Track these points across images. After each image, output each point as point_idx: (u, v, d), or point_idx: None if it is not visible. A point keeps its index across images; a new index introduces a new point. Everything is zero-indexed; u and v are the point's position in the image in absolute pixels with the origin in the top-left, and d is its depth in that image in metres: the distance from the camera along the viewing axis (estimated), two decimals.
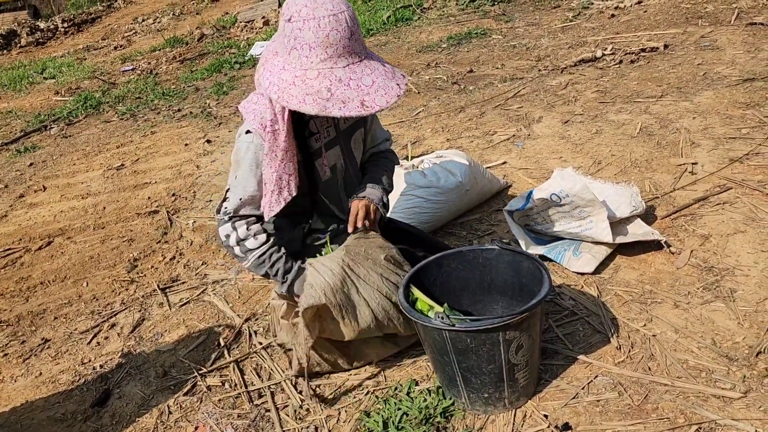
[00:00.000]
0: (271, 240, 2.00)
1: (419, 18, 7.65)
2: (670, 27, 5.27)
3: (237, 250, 1.97)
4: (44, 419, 2.22)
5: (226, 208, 1.97)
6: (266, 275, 2.00)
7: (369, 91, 1.71)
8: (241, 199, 1.92)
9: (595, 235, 2.47)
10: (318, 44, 1.67)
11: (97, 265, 3.24)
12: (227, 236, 1.97)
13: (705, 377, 1.90)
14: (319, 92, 1.67)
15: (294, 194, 1.92)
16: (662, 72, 4.37)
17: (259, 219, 1.99)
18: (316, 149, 1.99)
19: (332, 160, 2.06)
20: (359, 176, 2.21)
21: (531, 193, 2.55)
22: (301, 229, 2.15)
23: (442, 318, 1.73)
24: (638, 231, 2.55)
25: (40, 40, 14.31)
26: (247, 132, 1.87)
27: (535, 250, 2.59)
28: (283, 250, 2.03)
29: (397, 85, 1.76)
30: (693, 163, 3.10)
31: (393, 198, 2.83)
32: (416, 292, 1.94)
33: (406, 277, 1.98)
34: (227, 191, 1.97)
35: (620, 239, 2.49)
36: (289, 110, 1.81)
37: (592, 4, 6.53)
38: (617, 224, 2.55)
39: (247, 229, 1.95)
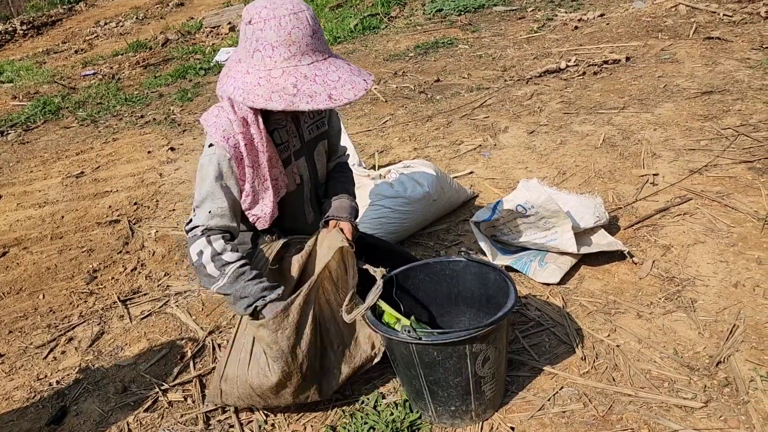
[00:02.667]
0: (245, 254, 1.94)
1: (386, 26, 7.67)
2: (632, 40, 5.39)
3: (211, 267, 1.82)
4: None
5: (195, 224, 1.87)
6: (243, 288, 1.83)
7: (336, 86, 1.69)
8: (210, 212, 1.84)
9: (560, 246, 2.49)
10: (280, 43, 1.66)
11: (54, 276, 3.15)
12: (200, 253, 1.83)
13: (667, 387, 1.93)
14: (285, 89, 1.65)
15: (283, 193, 1.95)
16: (624, 84, 4.46)
17: (232, 233, 1.92)
18: (285, 158, 1.96)
19: (300, 170, 2.04)
20: (321, 189, 2.20)
21: (497, 204, 2.56)
22: (259, 242, 2.09)
23: (409, 331, 1.72)
24: (602, 241, 2.59)
25: None
26: (210, 145, 1.82)
27: (502, 260, 2.60)
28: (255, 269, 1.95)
29: (364, 80, 1.75)
30: (654, 174, 3.16)
31: (360, 209, 2.81)
32: (382, 305, 1.92)
33: (373, 290, 1.96)
34: (195, 209, 1.89)
35: (584, 249, 2.52)
36: (261, 117, 1.79)
37: (556, 16, 6.64)
38: (582, 235, 2.58)
39: (225, 242, 1.85)
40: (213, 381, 2.03)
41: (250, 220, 1.94)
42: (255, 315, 1.86)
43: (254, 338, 1.92)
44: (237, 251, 1.88)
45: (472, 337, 1.71)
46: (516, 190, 2.54)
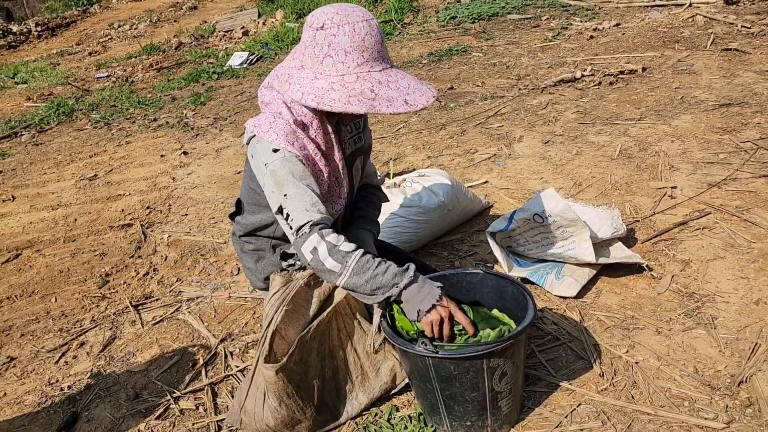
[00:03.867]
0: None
1: (400, 33, 7.67)
2: (648, 50, 5.35)
3: (330, 261, 1.70)
4: None
5: (299, 224, 1.74)
6: (370, 280, 1.70)
7: (408, 92, 1.70)
8: (307, 210, 1.74)
9: (578, 255, 2.46)
10: (354, 48, 1.66)
11: (66, 279, 3.14)
12: (314, 250, 1.71)
13: (688, 407, 1.89)
14: (363, 93, 1.65)
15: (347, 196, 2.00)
16: (641, 94, 4.43)
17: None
18: None
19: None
20: (350, 205, 2.17)
21: (513, 214, 2.53)
22: (279, 253, 2.07)
23: (426, 344, 1.69)
24: (620, 254, 2.55)
25: (13, 44, 14.04)
26: (275, 151, 1.75)
27: (518, 272, 2.57)
28: None
29: (428, 89, 1.76)
30: (672, 187, 3.12)
31: None
32: (395, 309, 1.85)
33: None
34: (286, 216, 1.76)
35: (603, 260, 2.49)
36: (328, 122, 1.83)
37: (572, 25, 6.61)
38: (599, 246, 2.54)
39: (337, 234, 1.74)
40: (233, 406, 2.01)
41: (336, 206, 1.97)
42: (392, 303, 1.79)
43: (265, 382, 1.90)
44: (351, 241, 1.77)
45: (489, 352, 1.68)
46: (532, 200, 2.51)
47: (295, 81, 1.73)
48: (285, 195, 1.74)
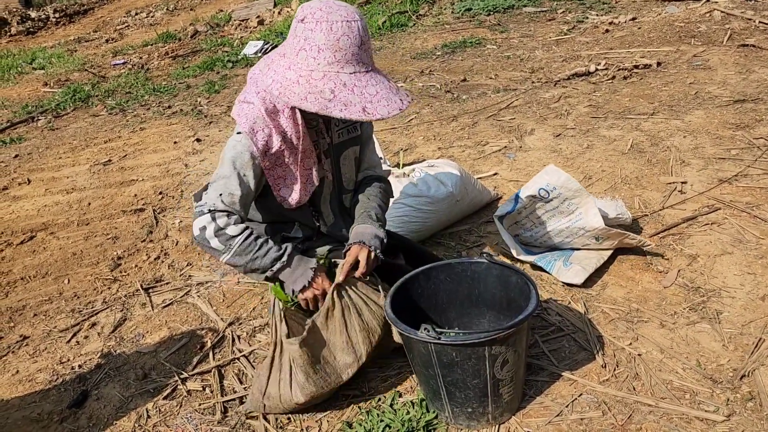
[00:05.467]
0: (251, 228, 1.91)
1: (414, 24, 7.66)
2: (663, 45, 5.31)
3: (215, 241, 1.84)
4: (19, 419, 2.17)
5: (204, 201, 1.87)
6: (249, 263, 1.86)
7: (372, 100, 1.70)
8: (221, 195, 1.85)
9: (586, 224, 2.46)
10: (327, 47, 1.67)
11: (79, 262, 3.19)
12: (203, 228, 1.84)
13: (689, 399, 1.90)
14: (322, 92, 1.67)
15: (317, 184, 1.99)
16: (654, 89, 4.40)
17: (237, 216, 1.91)
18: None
19: (322, 173, 2.04)
20: (348, 196, 2.19)
21: (518, 193, 2.55)
22: (279, 237, 2.13)
23: (428, 331, 1.72)
24: (626, 239, 2.55)
25: (31, 30, 14.17)
26: (238, 133, 1.86)
27: (526, 258, 2.58)
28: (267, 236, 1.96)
29: (401, 99, 1.75)
30: (682, 182, 3.11)
31: None
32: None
33: (393, 287, 1.96)
34: (209, 185, 1.89)
35: (611, 228, 2.46)
36: (299, 111, 1.83)
37: (587, 18, 6.57)
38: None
39: (228, 218, 1.85)
40: (253, 394, 2.02)
41: (277, 200, 1.98)
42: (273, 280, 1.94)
43: (291, 358, 1.93)
44: (241, 223, 1.88)
45: (491, 339, 1.70)
46: (535, 177, 2.53)
47: (273, 68, 1.78)
48: (218, 173, 1.87)
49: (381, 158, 3.17)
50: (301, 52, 1.71)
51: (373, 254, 1.97)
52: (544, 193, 2.46)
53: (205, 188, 1.91)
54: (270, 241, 1.91)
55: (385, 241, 2.02)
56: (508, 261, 2.61)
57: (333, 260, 2.10)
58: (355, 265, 1.95)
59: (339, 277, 1.93)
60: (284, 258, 1.89)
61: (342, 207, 2.19)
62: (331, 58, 1.68)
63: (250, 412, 2.05)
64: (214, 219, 1.84)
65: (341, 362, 1.95)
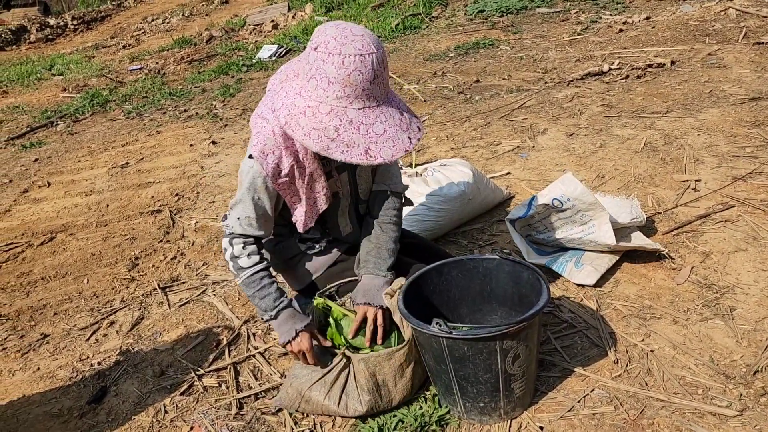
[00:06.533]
0: (264, 263, 1.99)
1: (427, 26, 7.68)
2: (678, 44, 5.29)
3: (230, 265, 1.99)
4: (40, 414, 2.22)
5: (226, 223, 1.98)
6: (253, 298, 1.97)
7: (377, 140, 1.66)
8: (239, 218, 1.93)
9: (597, 239, 2.46)
10: (338, 81, 1.61)
11: (98, 262, 3.25)
12: (225, 249, 2.00)
13: (701, 394, 1.90)
14: (326, 129, 1.64)
15: (324, 208, 1.98)
16: (668, 88, 4.38)
17: (257, 239, 1.99)
18: (326, 171, 1.99)
19: (335, 187, 2.05)
20: (363, 205, 2.20)
21: (533, 199, 2.55)
22: (297, 236, 2.16)
23: (440, 325, 1.74)
24: (639, 242, 2.55)
25: (50, 37, 14.40)
26: (250, 157, 1.84)
27: (537, 260, 2.59)
28: (274, 277, 2.02)
29: (409, 138, 1.71)
30: (696, 180, 3.10)
31: None
32: (331, 305, 2.05)
33: (405, 283, 1.98)
34: (231, 207, 1.97)
35: (623, 244, 2.48)
36: None
37: (601, 18, 6.56)
38: (618, 233, 2.54)
39: (243, 247, 1.95)
40: (290, 393, 2.02)
41: (292, 219, 2.00)
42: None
43: (348, 372, 1.96)
44: (255, 255, 1.97)
45: (503, 334, 1.71)
46: (551, 185, 2.53)
47: (285, 88, 1.75)
48: (236, 197, 1.93)
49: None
50: (312, 81, 1.66)
51: (380, 312, 1.99)
52: (557, 203, 2.47)
53: (229, 212, 1.98)
54: (274, 285, 1.98)
55: (391, 280, 2.05)
56: (524, 259, 2.62)
57: (330, 293, 2.14)
58: (363, 321, 1.99)
59: (349, 335, 1.99)
60: (272, 312, 1.97)
61: (359, 216, 2.21)
62: (341, 93, 1.63)
63: (279, 408, 2.07)
64: (231, 244, 1.97)
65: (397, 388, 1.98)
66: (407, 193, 2.84)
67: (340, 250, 2.19)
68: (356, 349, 1.99)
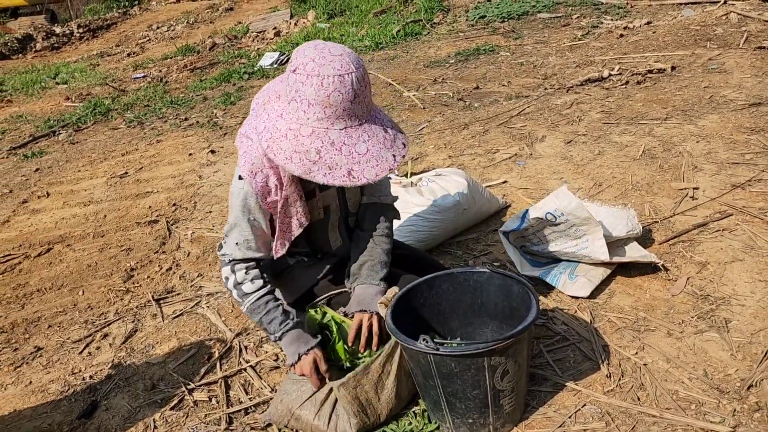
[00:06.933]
0: (269, 286, 1.98)
1: (429, 33, 7.68)
2: (679, 48, 5.26)
3: (234, 293, 1.97)
4: (31, 429, 2.21)
5: (225, 251, 1.95)
6: (260, 323, 1.97)
7: (360, 160, 1.64)
8: (237, 243, 1.91)
9: (591, 254, 2.44)
10: (317, 102, 1.60)
11: (94, 273, 3.25)
12: (227, 278, 1.97)
13: (694, 410, 1.87)
14: (308, 152, 1.62)
15: (297, 233, 1.95)
16: (668, 94, 4.35)
17: (259, 262, 1.98)
18: (309, 190, 1.97)
19: (326, 201, 2.04)
20: (352, 218, 2.18)
21: (526, 212, 2.53)
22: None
23: (427, 341, 1.72)
24: (635, 254, 2.53)
25: (56, 45, 14.50)
26: (239, 178, 1.83)
27: (531, 272, 2.57)
28: (279, 300, 2.01)
29: (393, 156, 1.70)
30: (694, 188, 3.07)
31: None
32: (328, 310, 2.04)
33: (394, 298, 1.97)
34: (225, 234, 1.95)
35: (617, 259, 2.47)
36: None
37: (602, 23, 6.53)
38: (614, 245, 2.52)
39: (246, 273, 1.94)
40: (280, 410, 2.01)
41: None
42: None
43: (336, 396, 1.94)
44: (259, 279, 1.95)
45: (490, 350, 1.69)
46: (545, 198, 2.51)
47: (268, 109, 1.74)
48: (230, 221, 1.91)
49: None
50: (293, 103, 1.64)
51: (375, 318, 1.97)
52: (551, 217, 2.44)
53: (225, 239, 1.96)
54: (280, 308, 1.97)
55: (385, 289, 2.03)
56: (518, 271, 2.60)
57: (321, 304, 2.13)
58: (360, 328, 1.96)
59: (349, 342, 1.98)
60: (278, 335, 1.96)
61: (349, 228, 2.19)
62: (321, 114, 1.61)
63: (268, 424, 2.05)
64: (233, 271, 1.95)
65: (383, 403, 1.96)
66: (396, 205, 2.84)
67: (330, 262, 2.18)
68: (357, 358, 1.99)
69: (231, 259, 1.94)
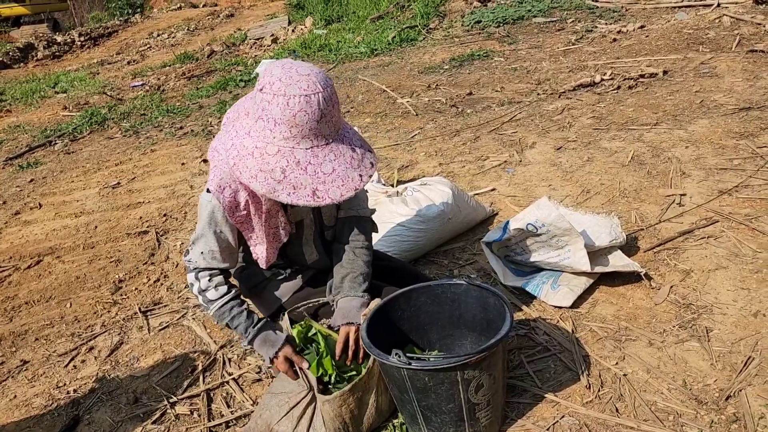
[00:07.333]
0: (233, 292, 1.99)
1: (424, 39, 7.69)
2: (671, 52, 5.25)
3: (200, 299, 1.99)
4: None
5: (189, 258, 1.97)
6: (225, 328, 2.00)
7: (325, 180, 1.65)
8: (202, 253, 1.93)
9: (573, 264, 2.44)
10: (283, 122, 1.60)
11: (82, 285, 3.26)
12: (192, 284, 1.98)
13: (672, 421, 1.86)
14: (273, 171, 1.63)
15: (285, 240, 1.98)
16: (659, 99, 4.35)
17: (223, 272, 1.99)
18: (284, 205, 1.96)
19: (299, 216, 2.04)
20: (329, 232, 2.18)
21: (507, 223, 2.53)
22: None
23: (399, 356, 1.71)
24: (618, 262, 2.52)
25: (57, 54, 14.59)
26: (207, 191, 1.84)
27: (514, 282, 2.56)
28: (245, 304, 2.02)
29: (360, 176, 1.70)
30: (681, 195, 3.06)
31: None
32: (314, 324, 2.03)
33: (371, 310, 1.97)
34: (192, 242, 1.96)
35: (599, 269, 2.46)
36: None
37: (596, 27, 6.53)
38: (597, 254, 2.52)
39: (209, 280, 1.95)
40: (260, 425, 1.99)
41: (252, 256, 1.99)
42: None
43: (314, 407, 1.94)
44: (223, 286, 1.97)
45: (463, 364, 1.69)
46: (526, 209, 2.50)
47: (236, 127, 1.74)
48: (197, 231, 1.92)
49: (373, 180, 3.18)
50: (260, 121, 1.65)
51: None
52: (532, 228, 2.44)
53: (191, 246, 1.97)
54: (244, 313, 1.98)
55: (368, 301, 2.03)
56: (500, 281, 2.60)
57: (309, 324, 2.10)
58: (347, 341, 1.96)
59: (337, 356, 1.97)
60: (246, 342, 1.98)
61: (325, 242, 2.19)
62: (287, 134, 1.62)
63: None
64: (197, 278, 1.97)
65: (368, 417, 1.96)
66: (381, 215, 2.84)
67: (306, 276, 2.18)
68: (344, 372, 1.98)
69: (195, 267, 1.96)
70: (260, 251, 1.95)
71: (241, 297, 2.07)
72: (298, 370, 1.95)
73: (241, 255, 2.14)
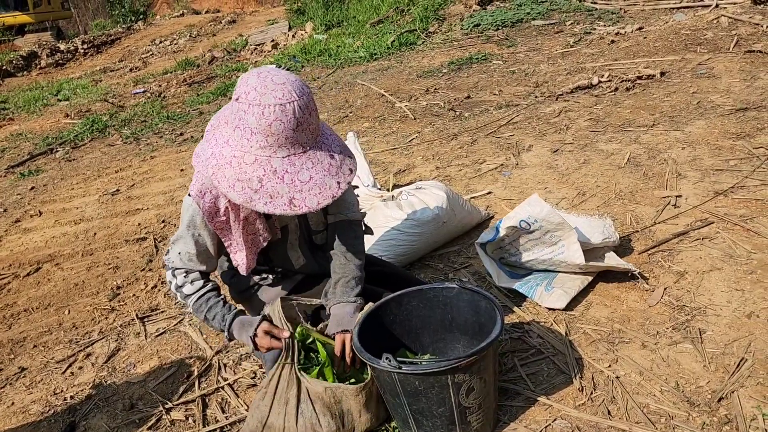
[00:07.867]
0: (209, 285, 2.01)
1: (423, 42, 7.70)
2: (669, 54, 5.24)
3: (178, 296, 2.00)
4: None
5: (169, 257, 1.99)
6: (206, 320, 1.99)
7: (302, 188, 1.66)
8: (180, 254, 1.95)
9: (567, 259, 2.44)
10: (259, 131, 1.61)
11: (81, 292, 3.28)
12: (170, 282, 2.00)
13: (664, 423, 1.86)
14: (250, 180, 1.64)
15: (264, 245, 1.98)
16: (656, 100, 4.34)
17: (199, 272, 2.00)
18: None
19: (284, 221, 2.05)
20: (319, 237, 2.19)
21: (499, 223, 2.54)
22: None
23: (390, 360, 1.72)
24: (612, 262, 2.52)
25: (60, 62, 14.67)
26: (189, 195, 1.86)
27: (508, 284, 2.57)
28: (222, 295, 2.03)
29: (338, 183, 1.71)
30: (677, 196, 3.06)
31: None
32: (313, 333, 1.99)
33: (362, 314, 1.97)
34: (172, 242, 1.99)
35: (593, 263, 2.45)
36: None
37: (595, 29, 6.53)
38: (590, 254, 2.51)
39: (185, 276, 1.97)
40: (252, 423, 2.00)
41: (233, 263, 2.01)
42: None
43: (299, 391, 1.93)
44: (199, 281, 1.98)
45: (453, 368, 1.69)
46: (517, 207, 2.51)
47: (216, 135, 1.75)
48: (177, 232, 1.95)
49: (368, 184, 3.19)
50: (237, 130, 1.65)
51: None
52: (525, 225, 2.45)
53: (171, 246, 2.00)
54: (221, 303, 1.99)
55: (362, 306, 2.04)
56: (494, 283, 2.60)
57: (307, 332, 2.09)
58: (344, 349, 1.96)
59: (336, 367, 1.97)
60: (226, 333, 1.98)
61: (313, 246, 2.19)
62: (264, 143, 1.63)
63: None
64: (174, 276, 1.99)
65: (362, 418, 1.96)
66: (375, 219, 2.85)
67: (295, 281, 2.19)
68: (344, 380, 1.98)
69: (172, 266, 1.99)
70: (240, 258, 1.96)
71: (219, 290, 2.07)
72: (281, 339, 1.93)
73: (227, 263, 2.16)
